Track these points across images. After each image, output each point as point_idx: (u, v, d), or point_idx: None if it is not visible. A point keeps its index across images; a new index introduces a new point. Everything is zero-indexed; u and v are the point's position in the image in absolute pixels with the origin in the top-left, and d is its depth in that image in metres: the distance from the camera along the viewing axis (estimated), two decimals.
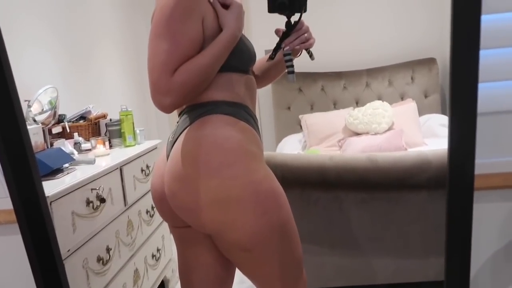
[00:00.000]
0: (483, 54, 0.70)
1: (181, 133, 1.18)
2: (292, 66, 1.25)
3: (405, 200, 1.97)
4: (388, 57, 3.78)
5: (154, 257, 2.30)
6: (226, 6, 1.20)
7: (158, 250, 2.37)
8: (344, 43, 3.80)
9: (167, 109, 1.10)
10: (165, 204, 1.22)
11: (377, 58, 3.79)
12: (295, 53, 1.31)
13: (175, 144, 1.18)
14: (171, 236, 2.76)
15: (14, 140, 0.88)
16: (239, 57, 1.20)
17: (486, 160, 0.80)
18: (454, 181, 0.73)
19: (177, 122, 1.25)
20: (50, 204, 1.40)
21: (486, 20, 0.71)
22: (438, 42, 3.69)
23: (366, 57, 3.81)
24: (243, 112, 1.20)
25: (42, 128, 1.80)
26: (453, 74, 0.71)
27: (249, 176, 1.10)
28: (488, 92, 0.76)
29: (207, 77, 1.12)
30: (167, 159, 1.21)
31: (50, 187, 1.47)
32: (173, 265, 2.62)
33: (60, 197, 1.46)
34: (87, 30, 2.77)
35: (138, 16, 3.54)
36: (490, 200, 0.81)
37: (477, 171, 0.73)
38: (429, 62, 3.68)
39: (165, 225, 2.54)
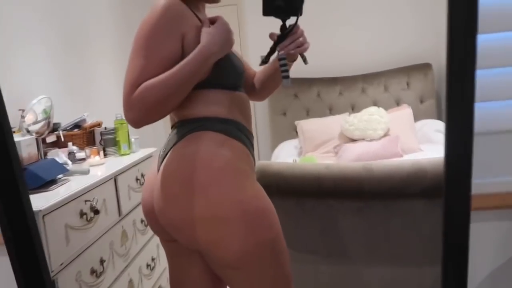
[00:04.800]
0: (480, 74, 0.70)
1: (171, 148, 1.18)
2: (287, 70, 1.22)
3: (400, 209, 1.96)
4: (384, 62, 3.79)
5: (149, 267, 2.28)
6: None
7: (153, 259, 2.35)
8: (340, 48, 3.80)
9: (132, 124, 1.09)
10: (154, 218, 1.22)
11: (373, 64, 3.79)
12: (290, 58, 1.28)
13: (164, 160, 1.18)
14: None
15: (1, 156, 0.86)
16: (226, 74, 1.19)
17: (483, 180, 0.79)
18: (450, 200, 0.72)
19: (169, 135, 1.24)
20: (43, 217, 1.38)
21: (483, 39, 0.71)
22: (434, 48, 3.70)
23: (361, 62, 3.81)
24: (234, 129, 1.19)
25: (36, 138, 1.78)
26: (449, 94, 0.70)
27: (237, 195, 1.10)
28: (485, 112, 0.75)
29: (173, 94, 1.07)
30: (158, 173, 1.21)
31: (43, 200, 1.45)
32: (168, 274, 2.60)
33: (53, 210, 1.44)
34: (83, 38, 2.76)
35: (134, 26, 3.53)
36: (487, 219, 0.81)
37: (474, 191, 0.73)
38: (425, 67, 3.69)
39: None
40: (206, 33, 1.12)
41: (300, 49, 1.23)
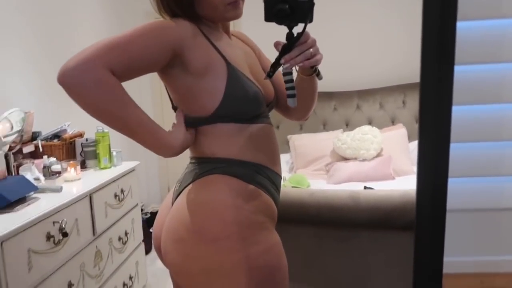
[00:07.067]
0: (454, 146, 0.63)
1: (186, 186, 1.11)
2: (293, 88, 1.05)
3: (386, 241, 1.88)
4: (380, 79, 3.71)
5: (126, 286, 2.20)
6: None
7: (130, 278, 2.27)
8: (336, 63, 3.72)
9: (61, 74, 0.97)
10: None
11: (369, 80, 3.72)
12: (305, 72, 1.14)
13: (178, 198, 1.12)
14: (147, 261, 2.65)
15: None
16: (238, 106, 1.07)
17: (456, 258, 0.72)
18: (420, 278, 0.65)
19: (186, 168, 1.17)
20: (2, 244, 1.30)
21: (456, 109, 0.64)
22: None
23: (358, 78, 3.74)
24: (252, 173, 1.09)
25: (6, 153, 1.70)
26: (419, 176, 0.63)
27: (246, 250, 1.02)
28: (459, 188, 0.68)
29: (109, 116, 1.00)
30: (171, 208, 1.14)
31: (5, 224, 1.37)
32: None
33: (14, 235, 1.36)
34: (69, 43, 2.68)
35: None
36: None
37: (448, 270, 0.65)
38: None
39: (141, 250, 2.44)
40: (180, 133, 1.07)
41: (310, 61, 1.04)
